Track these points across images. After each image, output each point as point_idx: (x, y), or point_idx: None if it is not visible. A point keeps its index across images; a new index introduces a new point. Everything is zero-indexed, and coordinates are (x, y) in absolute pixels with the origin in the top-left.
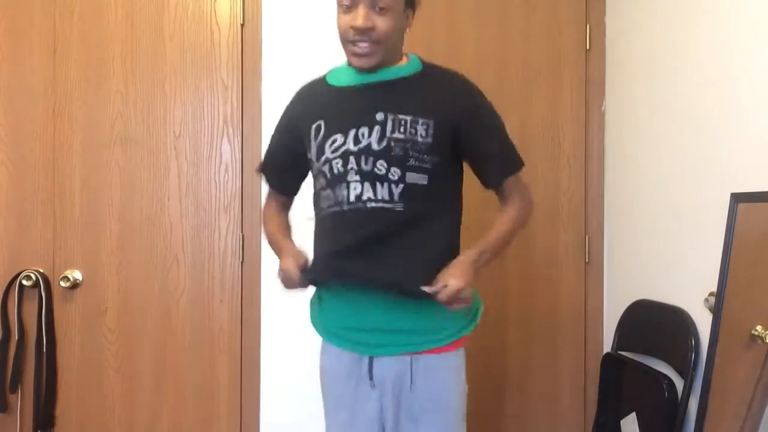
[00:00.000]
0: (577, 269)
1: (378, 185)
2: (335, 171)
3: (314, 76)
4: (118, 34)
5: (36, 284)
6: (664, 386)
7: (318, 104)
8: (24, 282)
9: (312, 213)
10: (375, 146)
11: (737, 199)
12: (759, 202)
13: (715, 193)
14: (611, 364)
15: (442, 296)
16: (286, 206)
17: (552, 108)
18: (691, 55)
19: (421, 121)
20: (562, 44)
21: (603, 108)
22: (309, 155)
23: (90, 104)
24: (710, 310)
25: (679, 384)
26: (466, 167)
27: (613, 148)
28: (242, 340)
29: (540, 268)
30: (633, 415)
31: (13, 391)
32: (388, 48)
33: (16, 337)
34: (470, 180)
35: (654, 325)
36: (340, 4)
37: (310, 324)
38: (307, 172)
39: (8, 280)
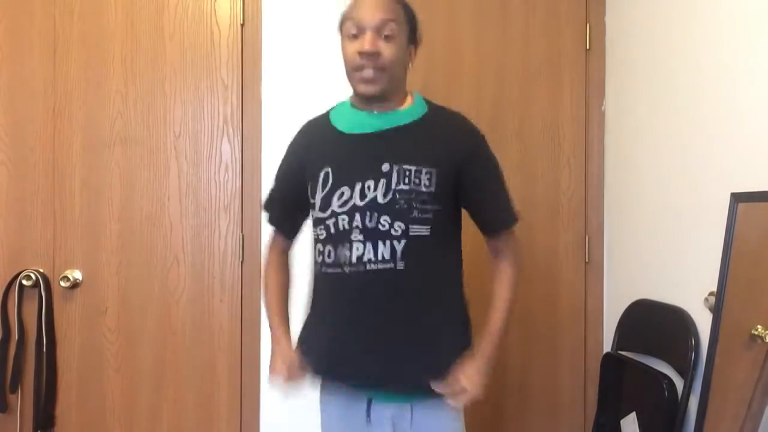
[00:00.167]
0: (577, 269)
1: (380, 244)
2: (340, 227)
3: (314, 75)
4: (118, 34)
5: (36, 284)
6: (664, 386)
7: (325, 148)
8: (24, 282)
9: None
10: (380, 200)
11: (737, 199)
12: (759, 202)
13: (715, 193)
14: (611, 363)
15: (454, 399)
16: (286, 252)
17: (552, 108)
18: (691, 55)
19: (425, 170)
20: (562, 44)
21: (603, 108)
22: (312, 200)
23: (90, 104)
24: (710, 310)
25: (679, 384)
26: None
27: (613, 148)
28: (242, 340)
29: (540, 268)
30: (633, 415)
31: (13, 391)
32: (393, 78)
33: (16, 337)
34: None
35: (654, 325)
36: (346, 34)
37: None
38: (309, 212)
39: (8, 280)
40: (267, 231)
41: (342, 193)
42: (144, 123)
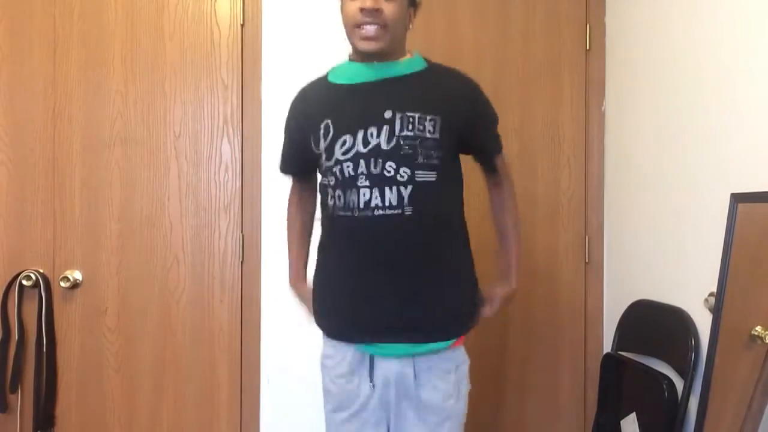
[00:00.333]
0: (577, 269)
1: (386, 190)
2: (346, 174)
3: (314, 75)
4: (118, 34)
5: (36, 284)
6: (664, 386)
7: (323, 103)
8: (24, 282)
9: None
10: (384, 146)
11: (737, 199)
12: (759, 202)
13: (715, 193)
14: (611, 364)
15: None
16: (310, 197)
17: (552, 108)
18: (691, 55)
19: (429, 117)
20: (562, 44)
21: (603, 108)
22: (317, 151)
23: (90, 104)
24: (710, 310)
25: (679, 384)
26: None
27: (613, 148)
28: (242, 340)
29: (540, 268)
30: (633, 415)
31: (13, 391)
32: (394, 36)
33: (16, 337)
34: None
35: (654, 325)
36: None
37: (311, 323)
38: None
39: (8, 280)
40: (267, 231)
41: (344, 141)
42: (144, 123)
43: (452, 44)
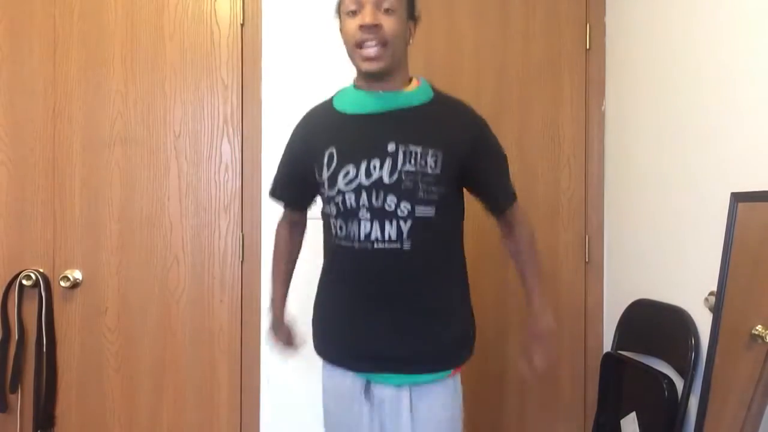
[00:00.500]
0: (577, 269)
1: (387, 223)
2: (348, 205)
3: (314, 75)
4: (118, 34)
5: (36, 284)
6: (664, 386)
7: (329, 130)
8: (24, 282)
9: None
10: (386, 179)
11: (737, 199)
12: (759, 202)
13: (715, 193)
14: (611, 363)
15: (531, 374)
16: (298, 226)
17: (552, 108)
18: (691, 54)
19: (431, 152)
20: (562, 44)
21: (603, 108)
22: (319, 179)
23: (90, 104)
24: (710, 309)
25: (679, 384)
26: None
27: (613, 148)
28: (242, 340)
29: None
30: (633, 415)
31: (13, 391)
32: (395, 53)
33: (16, 337)
34: None
35: (654, 324)
36: (345, 11)
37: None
38: (317, 193)
39: (8, 280)
40: (267, 231)
41: (347, 172)
42: (144, 123)
43: (452, 44)
